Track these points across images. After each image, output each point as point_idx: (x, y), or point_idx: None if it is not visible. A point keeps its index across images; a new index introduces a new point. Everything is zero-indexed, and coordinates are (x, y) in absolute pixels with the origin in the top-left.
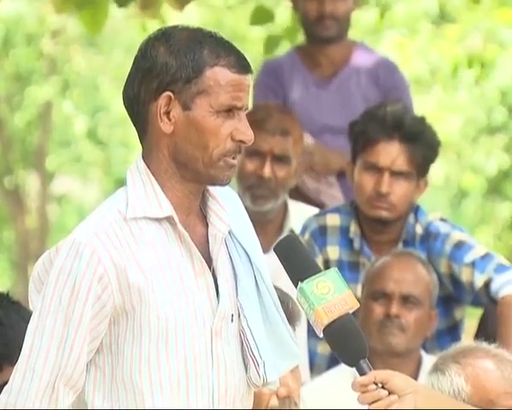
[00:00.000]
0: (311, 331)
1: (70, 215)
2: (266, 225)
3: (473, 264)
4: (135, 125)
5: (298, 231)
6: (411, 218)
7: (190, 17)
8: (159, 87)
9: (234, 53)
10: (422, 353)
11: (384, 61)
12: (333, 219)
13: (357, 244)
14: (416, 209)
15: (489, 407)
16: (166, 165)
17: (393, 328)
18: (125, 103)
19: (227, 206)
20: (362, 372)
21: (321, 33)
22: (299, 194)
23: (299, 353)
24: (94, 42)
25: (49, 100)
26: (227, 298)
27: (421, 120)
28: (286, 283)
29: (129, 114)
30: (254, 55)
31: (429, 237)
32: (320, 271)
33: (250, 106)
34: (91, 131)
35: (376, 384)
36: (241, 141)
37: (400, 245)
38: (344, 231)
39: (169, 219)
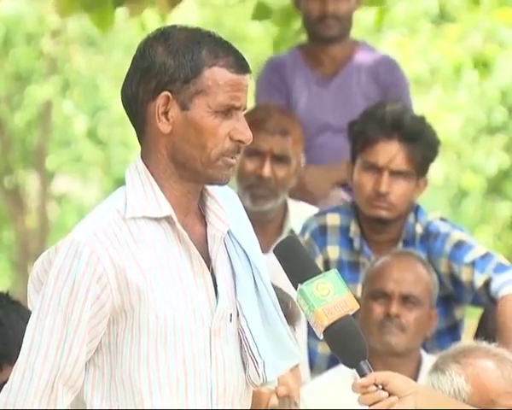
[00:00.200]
0: (311, 331)
1: (70, 215)
2: (266, 224)
3: (473, 264)
4: (133, 125)
5: (298, 230)
6: (411, 217)
7: (190, 16)
8: (157, 87)
9: (232, 53)
10: (422, 352)
11: (385, 58)
12: (333, 219)
13: (357, 244)
14: (415, 209)
15: (489, 406)
16: (165, 165)
17: (393, 328)
18: (123, 103)
19: (226, 205)
20: (362, 374)
21: (323, 33)
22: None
23: (297, 352)
24: (94, 41)
25: (49, 100)
26: (226, 298)
27: (421, 119)
28: (286, 282)
29: (127, 114)
30: (254, 54)
31: (429, 236)
32: (320, 272)
33: (253, 103)
34: (91, 130)
35: (377, 386)
36: (240, 141)
37: (400, 245)
38: (344, 230)
39: (168, 219)
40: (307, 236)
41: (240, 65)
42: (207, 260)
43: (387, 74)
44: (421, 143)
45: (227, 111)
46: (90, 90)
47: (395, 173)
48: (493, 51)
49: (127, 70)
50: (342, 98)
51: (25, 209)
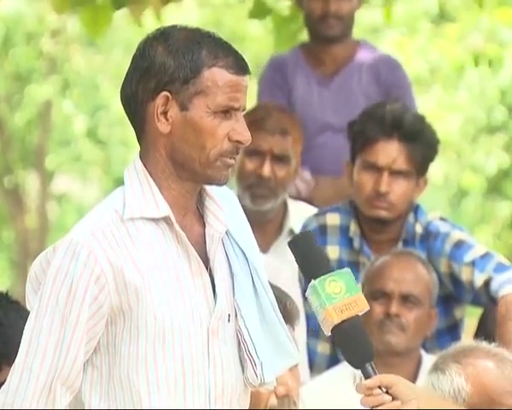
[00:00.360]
0: (310, 331)
1: (70, 215)
2: (266, 224)
3: (473, 263)
4: (132, 125)
5: (297, 230)
6: (411, 217)
7: (190, 16)
8: (156, 87)
9: (232, 54)
10: (422, 352)
11: (386, 58)
12: (333, 219)
13: (356, 244)
14: (415, 208)
15: (489, 406)
16: (163, 164)
17: (393, 327)
18: (122, 102)
19: (224, 205)
20: (367, 375)
21: (325, 32)
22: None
23: (295, 352)
24: (93, 41)
25: (48, 99)
26: (224, 298)
27: (421, 118)
28: (284, 282)
29: (126, 113)
30: (253, 54)
31: (429, 236)
32: (333, 270)
33: (256, 101)
34: (91, 130)
35: (381, 388)
36: (238, 141)
37: (400, 244)
38: (344, 230)
39: (166, 220)
40: None
41: (239, 66)
42: (205, 261)
43: (389, 74)
44: (421, 143)
45: (226, 112)
46: (90, 90)
47: (395, 173)
48: (493, 51)
49: (127, 70)
50: (343, 98)
51: (24, 209)
